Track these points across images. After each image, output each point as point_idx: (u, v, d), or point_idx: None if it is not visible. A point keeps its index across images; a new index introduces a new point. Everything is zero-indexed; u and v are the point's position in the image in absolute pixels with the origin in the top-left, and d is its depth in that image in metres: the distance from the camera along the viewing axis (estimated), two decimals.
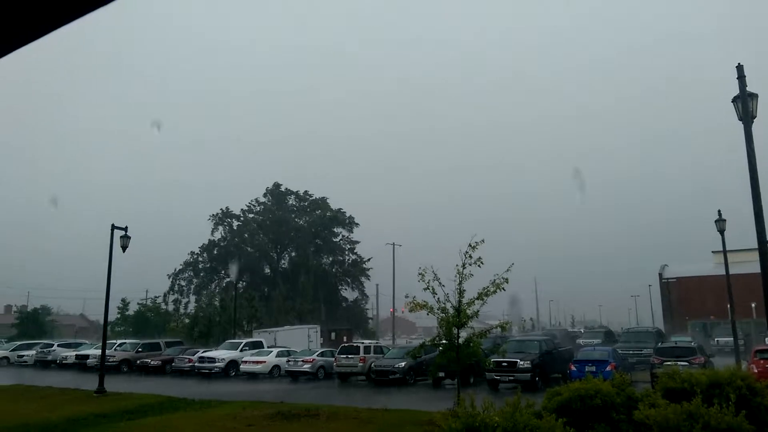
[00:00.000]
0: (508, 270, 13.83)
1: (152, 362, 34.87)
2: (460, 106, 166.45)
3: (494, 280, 13.60)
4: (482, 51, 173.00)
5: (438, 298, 13.61)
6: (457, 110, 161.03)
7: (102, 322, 27.03)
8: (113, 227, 24.86)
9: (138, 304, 63.33)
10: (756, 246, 10.95)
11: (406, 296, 14.45)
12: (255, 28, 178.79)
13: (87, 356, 36.70)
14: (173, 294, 75.94)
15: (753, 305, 39.57)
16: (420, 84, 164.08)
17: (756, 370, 17.65)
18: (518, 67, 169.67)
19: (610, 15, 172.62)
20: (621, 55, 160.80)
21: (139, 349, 37.37)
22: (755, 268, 11.33)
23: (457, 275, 13.33)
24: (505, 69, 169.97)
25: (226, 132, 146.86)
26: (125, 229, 25.14)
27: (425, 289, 13.59)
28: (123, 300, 59.05)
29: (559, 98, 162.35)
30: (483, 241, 13.50)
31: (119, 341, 39.97)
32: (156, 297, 69.19)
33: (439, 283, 13.55)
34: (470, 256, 13.28)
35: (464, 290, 13.36)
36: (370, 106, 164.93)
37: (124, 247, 25.20)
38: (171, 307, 71.22)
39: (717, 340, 41.58)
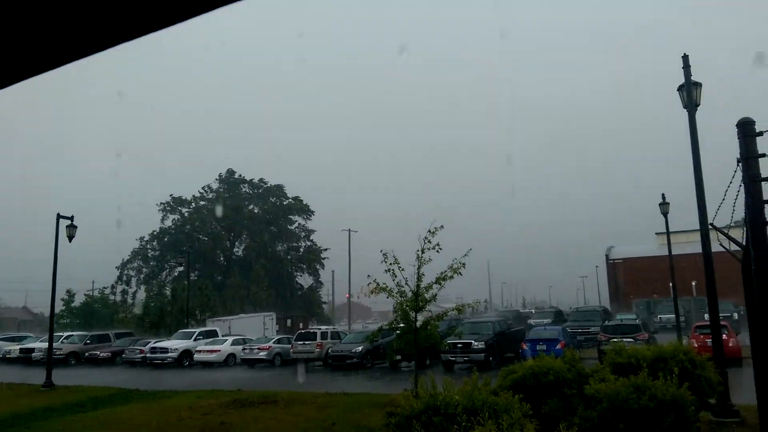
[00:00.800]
0: (465, 255, 14.09)
1: (102, 354, 33.99)
2: (417, 91, 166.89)
3: (452, 264, 13.81)
4: (425, 38, 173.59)
5: (398, 282, 13.74)
6: (415, 95, 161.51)
7: (47, 314, 26.11)
8: (59, 216, 23.93)
9: (85, 295, 61.34)
10: (697, 228, 11.48)
11: (369, 276, 14.51)
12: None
13: (32, 350, 35.39)
14: (121, 284, 73.81)
15: (693, 284, 41.47)
16: (372, 67, 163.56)
17: (696, 345, 18.55)
18: (473, 55, 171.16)
19: (549, 13, 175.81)
20: (568, 47, 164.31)
21: (88, 341, 36.32)
22: (696, 248, 11.90)
23: (417, 260, 13.48)
24: (460, 56, 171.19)
25: (177, 116, 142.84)
26: (71, 218, 24.24)
27: (386, 271, 13.69)
28: (68, 291, 57.02)
29: (515, 87, 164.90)
30: (442, 227, 13.68)
31: (66, 333, 38.72)
32: (104, 288, 67.17)
33: (399, 267, 13.68)
34: (429, 242, 13.44)
35: (423, 274, 13.53)
36: (323, 93, 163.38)
37: (70, 237, 24.29)
38: (119, 298, 69.28)
39: (660, 317, 43.40)
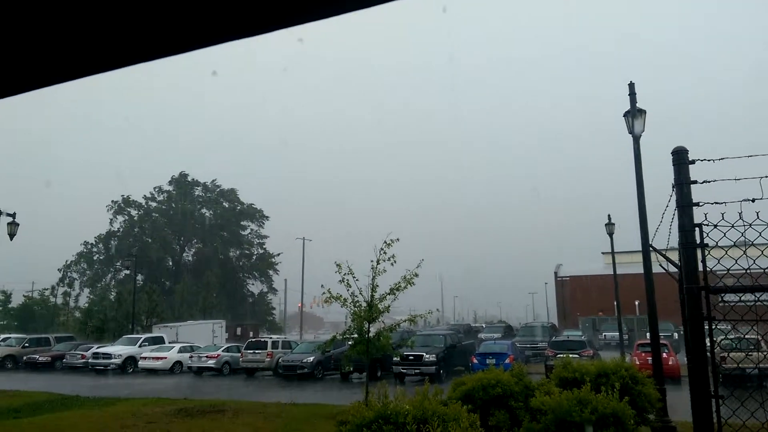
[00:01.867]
0: (418, 266, 14.31)
1: (41, 358, 32.70)
2: (369, 99, 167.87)
3: (405, 275, 14.00)
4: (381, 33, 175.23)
5: (352, 292, 13.82)
6: (368, 95, 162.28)
7: None
8: None
9: (23, 296, 58.89)
10: (641, 248, 12.01)
11: (322, 287, 14.55)
12: None
13: None
14: (63, 286, 71.11)
15: (637, 303, 42.96)
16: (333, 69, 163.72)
17: (638, 362, 19.26)
18: (430, 58, 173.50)
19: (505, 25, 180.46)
20: (522, 60, 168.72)
21: (26, 344, 34.90)
22: (640, 269, 12.42)
23: (371, 270, 13.61)
24: (409, 56, 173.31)
25: (129, 115, 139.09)
26: (13, 215, 23.32)
27: (340, 282, 13.76)
28: (4, 292, 54.64)
29: (474, 95, 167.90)
30: (398, 239, 13.88)
31: (3, 336, 37.10)
32: (44, 290, 64.59)
33: (354, 277, 13.78)
34: (385, 253, 13.60)
35: (377, 285, 13.65)
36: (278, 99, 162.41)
37: (11, 235, 23.35)
38: (60, 301, 66.74)
39: (604, 335, 44.76)
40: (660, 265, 7.02)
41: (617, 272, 27.46)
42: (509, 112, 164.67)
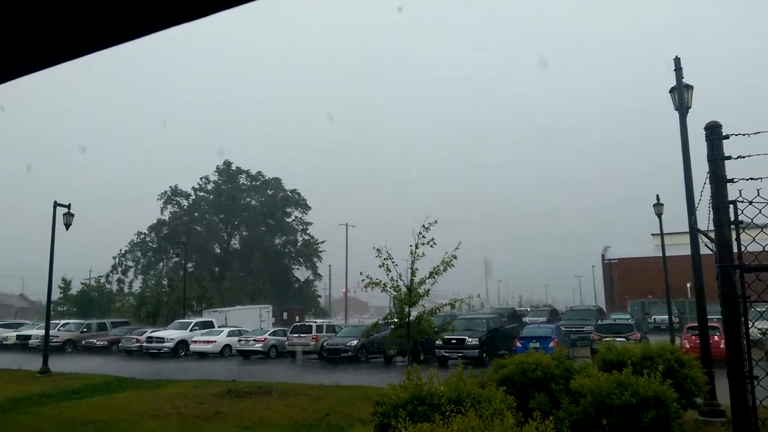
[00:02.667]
0: (456, 249, 14.26)
1: (98, 342, 34.18)
2: (404, 80, 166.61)
3: (444, 258, 13.98)
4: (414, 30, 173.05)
5: (391, 277, 13.91)
6: (404, 83, 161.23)
7: (43, 302, 26.25)
8: (56, 204, 24.04)
9: (81, 283, 61.50)
10: None
11: (361, 273, 14.70)
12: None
13: (29, 337, 35.62)
14: (118, 273, 74.09)
15: (688, 285, 41.69)
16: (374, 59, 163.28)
17: (688, 345, 18.78)
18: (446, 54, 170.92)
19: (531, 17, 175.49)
20: (570, 47, 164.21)
21: (84, 329, 36.53)
22: (690, 250, 12.03)
23: (411, 255, 13.65)
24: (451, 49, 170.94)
25: (177, 114, 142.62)
26: (68, 206, 24.35)
27: (380, 266, 13.87)
28: (64, 279, 57.14)
29: (517, 86, 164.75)
30: (436, 222, 13.85)
31: (63, 321, 38.90)
32: (100, 277, 67.39)
33: (393, 262, 13.85)
34: (423, 237, 13.61)
35: (416, 269, 13.69)
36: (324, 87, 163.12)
37: (67, 225, 24.39)
38: (116, 287, 69.52)
39: (654, 318, 43.67)
40: (706, 245, 6.80)
41: (667, 254, 26.65)
42: (558, 90, 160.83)
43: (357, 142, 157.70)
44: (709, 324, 12.21)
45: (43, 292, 25.33)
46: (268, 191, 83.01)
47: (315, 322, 33.09)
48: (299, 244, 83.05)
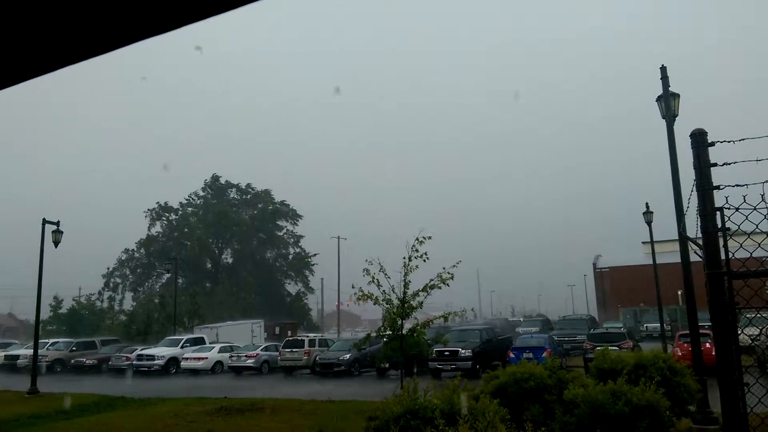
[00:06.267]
0: (454, 266, 14.22)
1: (88, 361, 33.78)
2: (415, 92, 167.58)
3: (440, 274, 13.93)
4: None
5: (383, 290, 13.86)
6: (394, 91, 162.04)
7: (32, 321, 25.92)
8: (44, 221, 23.83)
9: (73, 300, 60.83)
10: None
11: (353, 287, 14.64)
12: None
13: (17, 356, 35.15)
14: (108, 291, 73.41)
15: (679, 292, 41.78)
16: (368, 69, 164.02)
17: (680, 353, 18.82)
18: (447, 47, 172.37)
19: (527, 11, 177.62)
20: (545, 52, 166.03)
21: (74, 348, 36.08)
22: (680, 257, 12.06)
23: (403, 267, 13.61)
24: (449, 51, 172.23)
25: (161, 127, 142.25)
26: (57, 223, 24.14)
27: (370, 283, 13.81)
28: (56, 298, 56.50)
29: (505, 96, 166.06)
30: (430, 237, 13.84)
31: (52, 340, 38.44)
32: (90, 294, 66.69)
33: (385, 274, 13.80)
34: (416, 250, 13.58)
35: (409, 282, 13.65)
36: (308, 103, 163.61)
37: (56, 243, 24.18)
38: (106, 305, 68.84)
39: (646, 326, 43.72)
40: (695, 252, 6.83)
41: (658, 261, 26.73)
42: (544, 104, 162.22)
43: (352, 151, 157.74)
44: (701, 331, 12.22)
45: (32, 312, 25.03)
46: (259, 204, 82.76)
47: (307, 336, 32.89)
48: (291, 258, 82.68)
